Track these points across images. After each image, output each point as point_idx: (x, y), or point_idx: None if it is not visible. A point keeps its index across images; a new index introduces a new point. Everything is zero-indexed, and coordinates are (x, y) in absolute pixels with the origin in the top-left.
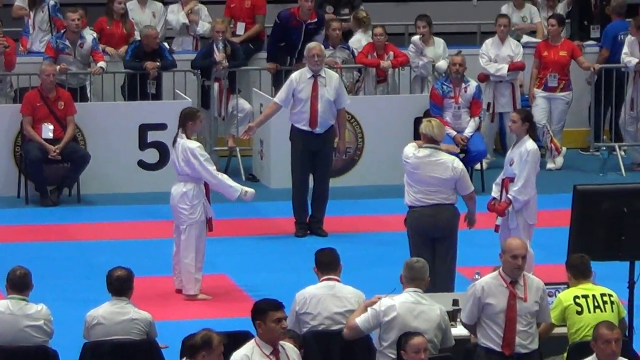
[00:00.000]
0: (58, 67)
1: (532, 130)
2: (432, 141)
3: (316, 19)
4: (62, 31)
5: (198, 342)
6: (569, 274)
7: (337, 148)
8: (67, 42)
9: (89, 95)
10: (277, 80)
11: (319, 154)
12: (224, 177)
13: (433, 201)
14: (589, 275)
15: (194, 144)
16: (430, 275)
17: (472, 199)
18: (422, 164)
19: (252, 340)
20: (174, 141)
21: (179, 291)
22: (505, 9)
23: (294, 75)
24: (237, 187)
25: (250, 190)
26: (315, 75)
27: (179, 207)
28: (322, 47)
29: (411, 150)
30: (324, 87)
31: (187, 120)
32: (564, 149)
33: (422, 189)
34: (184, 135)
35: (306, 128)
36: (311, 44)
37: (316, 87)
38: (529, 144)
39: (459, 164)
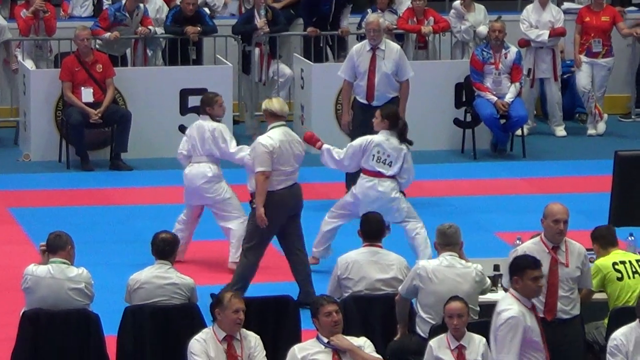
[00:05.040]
0: (107, 34)
1: (393, 128)
2: (275, 116)
3: None
4: (123, 2)
5: (213, 301)
6: (596, 245)
7: None
8: (126, 13)
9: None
10: (308, 47)
11: None
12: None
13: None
14: (617, 243)
15: (222, 126)
16: None
17: None
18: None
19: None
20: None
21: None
22: None
23: (355, 48)
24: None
25: None
26: (373, 48)
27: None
28: (380, 21)
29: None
30: (382, 60)
31: (205, 106)
32: (606, 115)
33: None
34: (207, 117)
35: (364, 101)
36: (370, 18)
37: (374, 60)
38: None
39: None
